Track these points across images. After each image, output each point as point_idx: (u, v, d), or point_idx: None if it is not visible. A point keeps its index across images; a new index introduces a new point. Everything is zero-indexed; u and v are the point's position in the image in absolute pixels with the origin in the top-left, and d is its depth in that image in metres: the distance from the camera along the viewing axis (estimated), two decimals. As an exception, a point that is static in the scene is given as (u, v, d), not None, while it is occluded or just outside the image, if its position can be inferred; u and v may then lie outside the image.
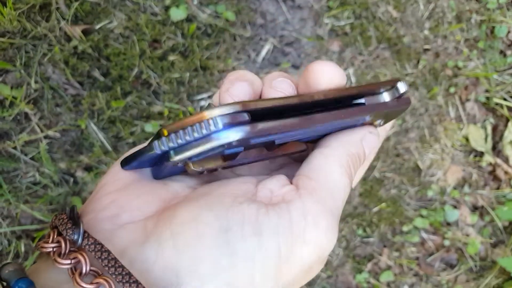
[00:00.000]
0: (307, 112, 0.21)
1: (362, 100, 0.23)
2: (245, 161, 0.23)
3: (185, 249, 0.18)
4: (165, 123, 0.75)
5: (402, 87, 0.23)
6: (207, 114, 0.18)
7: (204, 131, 0.18)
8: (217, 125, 0.18)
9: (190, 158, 0.19)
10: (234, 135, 0.18)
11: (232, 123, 0.18)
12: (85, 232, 0.18)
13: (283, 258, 0.19)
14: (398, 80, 0.24)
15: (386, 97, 0.24)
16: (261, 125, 0.19)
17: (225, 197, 0.20)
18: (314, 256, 0.20)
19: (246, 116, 0.18)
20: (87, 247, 0.18)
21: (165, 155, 0.19)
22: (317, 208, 0.20)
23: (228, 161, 0.22)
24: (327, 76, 0.22)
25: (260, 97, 0.23)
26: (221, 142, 0.18)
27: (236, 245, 0.18)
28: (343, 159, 0.22)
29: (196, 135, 0.18)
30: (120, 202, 0.20)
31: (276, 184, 0.22)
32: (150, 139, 0.21)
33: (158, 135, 0.19)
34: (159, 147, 0.19)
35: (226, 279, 0.18)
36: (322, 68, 0.22)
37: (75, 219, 0.19)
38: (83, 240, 0.18)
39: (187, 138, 0.18)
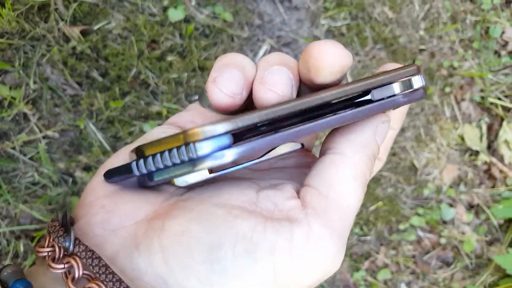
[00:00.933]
0: (303, 119, 0.19)
1: (368, 96, 0.20)
2: (236, 168, 0.20)
3: (175, 263, 0.17)
4: (162, 123, 0.75)
5: (417, 82, 0.20)
6: (186, 137, 0.17)
7: (182, 158, 0.17)
8: (195, 153, 0.16)
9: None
10: (214, 161, 0.17)
11: (213, 150, 0.16)
12: (76, 239, 0.18)
13: (278, 280, 0.18)
14: (413, 71, 0.20)
15: (396, 89, 0.20)
16: (246, 147, 0.17)
17: (219, 208, 0.19)
18: (314, 280, 0.19)
19: (228, 139, 0.17)
20: (78, 253, 0.18)
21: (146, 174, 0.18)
22: (324, 232, 0.18)
23: (215, 172, 0.20)
24: (329, 58, 0.19)
25: (252, 86, 0.20)
26: (201, 167, 0.17)
27: (227, 263, 0.17)
28: (358, 169, 0.20)
29: (174, 160, 0.17)
30: (110, 207, 0.20)
31: (281, 197, 0.20)
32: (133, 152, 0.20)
33: (138, 152, 0.18)
34: (137, 170, 0.18)
35: None
36: (324, 49, 0.19)
37: (67, 226, 0.19)
38: (74, 247, 0.18)
39: (166, 163, 0.17)
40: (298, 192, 0.20)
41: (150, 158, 0.18)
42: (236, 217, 0.18)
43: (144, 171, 0.18)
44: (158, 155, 0.17)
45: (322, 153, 0.21)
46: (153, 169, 0.18)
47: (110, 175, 0.20)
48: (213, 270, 0.17)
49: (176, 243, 0.17)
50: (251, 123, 0.17)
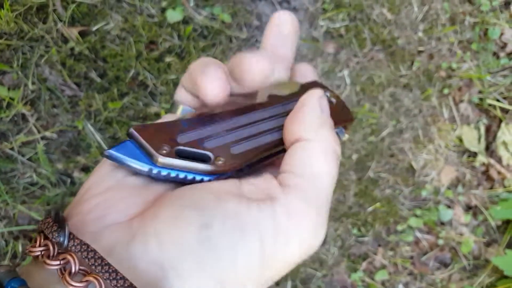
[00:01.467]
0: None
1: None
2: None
3: (169, 246, 0.18)
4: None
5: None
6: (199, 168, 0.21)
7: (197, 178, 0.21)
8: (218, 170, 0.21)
9: None
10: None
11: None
12: (70, 233, 0.18)
13: (267, 254, 0.19)
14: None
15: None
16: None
17: (208, 194, 0.20)
18: (300, 254, 0.20)
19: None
20: (73, 248, 0.18)
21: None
22: (303, 206, 0.20)
23: None
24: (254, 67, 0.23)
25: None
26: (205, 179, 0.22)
27: (218, 240, 0.18)
28: (326, 145, 0.22)
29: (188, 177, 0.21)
30: (105, 204, 0.20)
31: (261, 180, 0.22)
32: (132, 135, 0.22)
33: (148, 153, 0.21)
34: (151, 172, 0.21)
35: (210, 273, 0.18)
36: (250, 60, 0.23)
37: (60, 221, 0.19)
38: (69, 241, 0.18)
39: (179, 176, 0.21)
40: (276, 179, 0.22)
41: (164, 170, 0.21)
42: (223, 199, 0.20)
43: (159, 176, 0.21)
44: (172, 172, 0.21)
45: (289, 146, 0.23)
46: (166, 174, 0.21)
47: (114, 159, 0.21)
48: (206, 248, 0.18)
49: (170, 227, 0.18)
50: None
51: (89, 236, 0.19)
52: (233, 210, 0.19)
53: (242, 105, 0.24)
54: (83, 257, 0.17)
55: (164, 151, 0.21)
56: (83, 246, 0.18)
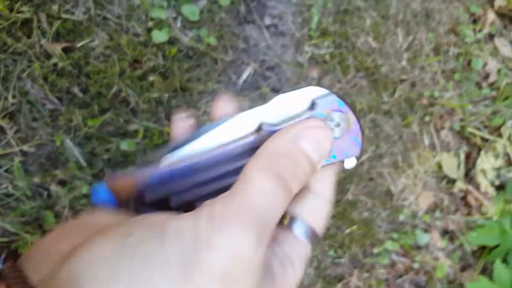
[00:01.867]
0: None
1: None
2: None
3: (86, 257, 0.18)
4: (140, 141, 0.71)
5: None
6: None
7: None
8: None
9: None
10: None
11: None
12: (5, 258, 0.19)
13: (189, 262, 0.18)
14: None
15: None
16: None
17: (136, 216, 0.20)
18: (227, 261, 0.18)
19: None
20: (5, 271, 0.18)
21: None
22: (227, 211, 0.19)
23: None
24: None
25: None
26: None
27: (136, 248, 0.18)
28: (264, 163, 0.21)
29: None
30: (60, 239, 0.21)
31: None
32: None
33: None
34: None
35: (125, 282, 0.17)
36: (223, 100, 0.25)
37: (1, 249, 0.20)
38: (3, 264, 0.19)
39: None
40: None
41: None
42: (148, 215, 0.19)
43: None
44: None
45: None
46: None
47: (94, 201, 0.23)
48: (122, 256, 0.17)
49: (91, 241, 0.18)
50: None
51: (34, 265, 0.19)
52: (154, 221, 0.19)
53: (226, 150, 0.23)
54: (13, 277, 0.18)
55: (128, 206, 0.22)
56: (12, 269, 0.18)
